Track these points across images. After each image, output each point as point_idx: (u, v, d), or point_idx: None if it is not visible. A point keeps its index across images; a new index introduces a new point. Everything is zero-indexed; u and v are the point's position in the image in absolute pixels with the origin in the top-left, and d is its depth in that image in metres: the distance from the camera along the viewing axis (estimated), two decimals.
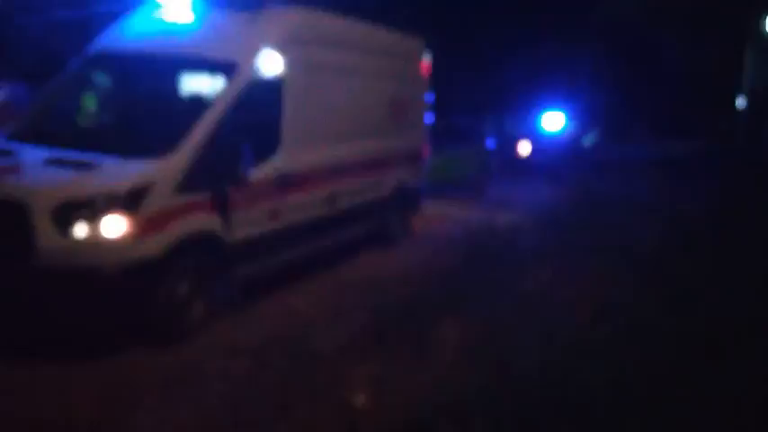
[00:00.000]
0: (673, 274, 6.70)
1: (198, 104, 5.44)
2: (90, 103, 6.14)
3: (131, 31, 6.20)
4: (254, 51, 5.71)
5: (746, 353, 4.68)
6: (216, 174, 5.26)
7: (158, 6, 6.29)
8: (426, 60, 9.06)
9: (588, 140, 19.52)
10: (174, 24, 6.07)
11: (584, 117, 18.05)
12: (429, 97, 9.32)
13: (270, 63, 5.83)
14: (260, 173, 5.75)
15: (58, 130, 5.69)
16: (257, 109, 5.72)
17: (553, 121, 17.29)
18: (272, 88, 5.94)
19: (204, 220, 5.24)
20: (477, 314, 5.43)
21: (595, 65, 22.44)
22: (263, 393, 4.22)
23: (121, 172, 4.84)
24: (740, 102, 28.43)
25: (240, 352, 4.96)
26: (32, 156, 5.04)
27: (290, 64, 6.06)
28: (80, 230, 4.60)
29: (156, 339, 5.08)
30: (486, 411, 3.71)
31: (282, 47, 5.97)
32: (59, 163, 4.92)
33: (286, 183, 6.09)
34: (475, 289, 6.06)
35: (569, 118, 17.67)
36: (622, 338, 4.93)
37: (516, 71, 18.29)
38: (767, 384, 4.23)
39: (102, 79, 6.28)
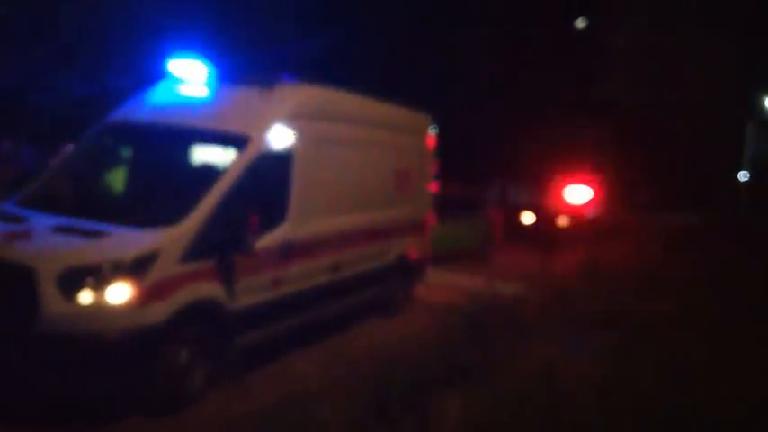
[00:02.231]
0: (675, 347, 6.67)
1: (208, 176, 5.59)
2: (104, 172, 6.30)
3: (147, 103, 6.43)
4: (265, 126, 5.91)
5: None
6: (222, 243, 5.35)
7: (175, 80, 6.57)
8: (432, 134, 9.30)
9: (592, 213, 19.68)
10: (189, 97, 6.31)
11: (590, 188, 18.25)
12: (435, 169, 9.51)
13: (280, 137, 6.02)
14: (265, 241, 5.84)
15: (69, 198, 5.83)
16: (266, 180, 5.88)
17: (577, 194, 17.58)
18: (282, 160, 6.10)
19: (208, 288, 5.29)
20: (479, 391, 5.37)
21: (599, 138, 22.86)
22: None
23: (128, 240, 4.94)
24: (742, 175, 28.74)
25: (238, 422, 4.91)
26: (42, 222, 5.16)
27: (300, 137, 6.25)
28: (85, 297, 4.67)
29: (155, 407, 5.05)
30: None
31: (293, 121, 6.18)
32: (68, 231, 5.03)
33: (291, 251, 6.17)
34: (477, 364, 6.00)
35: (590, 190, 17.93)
36: (627, 418, 4.87)
37: (523, 142, 18.64)
38: None
39: (116, 149, 6.48)
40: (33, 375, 4.77)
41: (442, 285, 10.08)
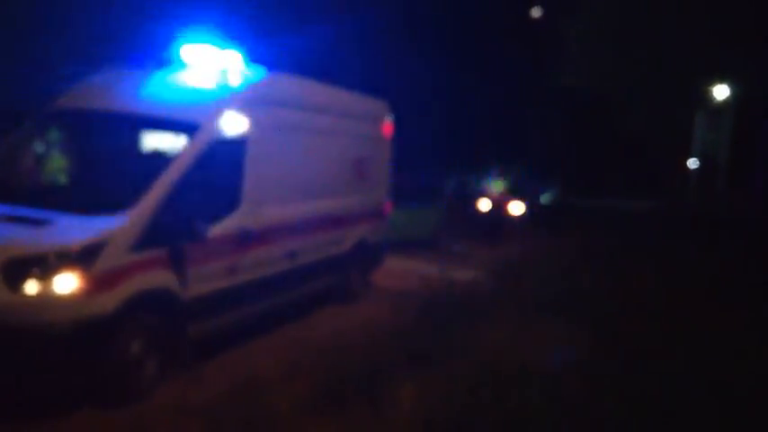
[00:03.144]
0: (624, 332, 6.89)
1: (158, 163, 5.47)
2: (50, 159, 6.12)
3: (95, 89, 6.26)
4: (217, 112, 5.82)
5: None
6: (173, 231, 5.27)
7: (122, 65, 6.41)
8: (389, 121, 9.30)
9: (545, 198, 20.04)
10: (139, 83, 6.17)
11: (541, 176, 18.59)
12: (392, 156, 9.53)
13: (233, 124, 5.94)
14: (219, 229, 5.78)
15: (13, 186, 5.64)
16: (218, 167, 5.79)
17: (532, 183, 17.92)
18: (235, 147, 6.02)
19: (159, 277, 5.21)
20: (432, 377, 5.45)
21: (552, 127, 23.26)
22: None
23: (76, 229, 4.82)
24: (692, 163, 29.62)
25: (193, 411, 4.86)
26: None
27: (254, 124, 6.17)
28: (31, 287, 4.54)
29: (107, 398, 4.97)
30: None
31: (246, 108, 6.10)
32: (12, 219, 4.87)
33: (246, 239, 6.11)
34: (433, 347, 6.08)
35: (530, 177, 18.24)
36: (579, 396, 5.01)
37: (478, 131, 18.83)
38: None
39: (62, 136, 6.29)
40: None
41: (399, 273, 10.15)
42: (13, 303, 4.50)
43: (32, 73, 8.51)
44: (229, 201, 5.97)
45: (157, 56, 6.25)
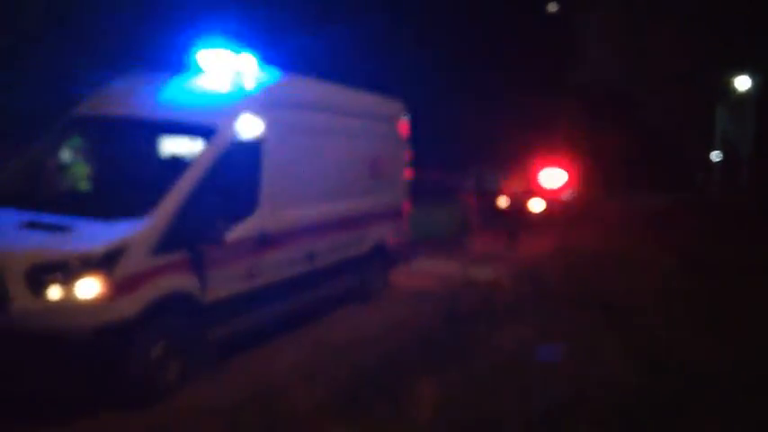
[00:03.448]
0: (646, 324, 6.82)
1: (176, 167, 5.51)
2: (70, 166, 6.20)
3: (113, 96, 6.33)
4: (233, 116, 5.85)
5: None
6: (192, 235, 5.30)
7: (141, 71, 6.48)
8: (405, 120, 9.28)
9: (568, 195, 19.86)
10: (156, 89, 6.22)
11: (565, 171, 18.37)
12: (409, 156, 9.51)
13: (249, 126, 5.97)
14: (238, 232, 5.81)
15: (35, 193, 5.72)
16: (236, 170, 5.82)
17: (554, 178, 17.72)
18: (251, 150, 6.05)
19: (179, 281, 5.25)
20: (455, 373, 5.43)
21: (574, 122, 23.03)
22: None
23: (97, 234, 4.87)
24: (714, 156, 29.19)
25: (214, 412, 4.91)
26: (8, 219, 5.05)
27: (270, 127, 6.19)
28: (54, 293, 4.60)
29: (129, 401, 5.00)
30: None
31: (262, 111, 6.12)
32: (35, 226, 4.93)
33: (264, 242, 6.14)
34: (453, 347, 6.06)
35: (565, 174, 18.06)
36: (598, 398, 4.96)
37: (497, 128, 18.71)
38: None
39: (83, 143, 6.36)
40: (4, 372, 4.69)
41: (419, 272, 10.13)
42: (37, 309, 4.57)
43: (57, 79, 8.63)
44: (247, 203, 5.99)
45: (175, 61, 6.31)
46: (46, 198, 5.52)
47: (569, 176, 18.01)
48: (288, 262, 6.55)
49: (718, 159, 29.42)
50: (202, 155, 5.56)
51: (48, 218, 5.04)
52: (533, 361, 5.69)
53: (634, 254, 11.87)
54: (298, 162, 6.68)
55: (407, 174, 9.41)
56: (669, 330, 6.91)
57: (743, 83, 26.78)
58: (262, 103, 6.15)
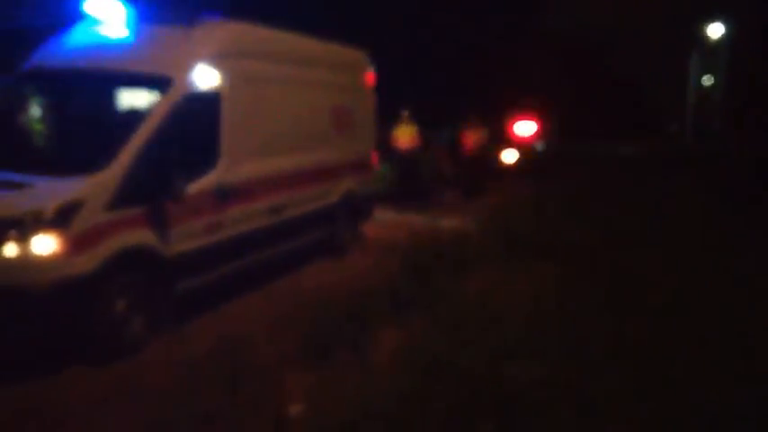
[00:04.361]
0: (612, 271, 6.96)
1: (131, 120, 5.41)
2: (23, 121, 6.04)
3: (64, 47, 6.15)
4: (188, 66, 5.72)
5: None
6: (150, 188, 5.25)
7: (93, 22, 6.26)
8: (371, 71, 9.16)
9: (541, 145, 19.94)
10: (108, 39, 6.04)
11: (537, 123, 18.39)
12: (376, 107, 9.43)
13: (205, 77, 5.84)
14: (199, 186, 5.76)
15: None
16: (194, 123, 5.73)
17: (525, 129, 17.74)
18: (209, 102, 5.94)
19: (139, 235, 5.21)
20: (415, 322, 5.51)
21: (545, 70, 22.92)
22: (196, 407, 4.20)
23: (51, 190, 4.80)
24: (688, 104, 29.39)
25: (180, 366, 4.93)
26: None
27: (227, 77, 6.07)
28: (9, 250, 4.56)
29: (95, 356, 5.02)
30: (412, 413, 3.78)
31: (218, 61, 5.99)
32: None
33: (227, 195, 6.09)
34: (416, 297, 6.14)
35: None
36: (560, 338, 5.08)
37: (467, 78, 18.57)
38: None
39: (35, 96, 6.19)
40: None
41: (388, 224, 10.18)
42: None
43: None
44: (207, 157, 5.92)
45: (127, 11, 6.10)
46: (1, 156, 5.39)
47: (540, 126, 18.03)
48: (251, 215, 6.53)
49: (690, 108, 29.62)
50: (157, 107, 5.45)
51: (1, 175, 4.95)
52: (493, 306, 5.78)
53: (602, 203, 12.01)
54: (258, 113, 6.59)
55: (375, 125, 9.35)
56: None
57: (716, 30, 26.78)
58: (218, 52, 6.02)
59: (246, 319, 5.92)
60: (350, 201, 8.64)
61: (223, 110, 6.05)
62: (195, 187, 5.70)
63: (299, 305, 6.25)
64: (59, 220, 4.66)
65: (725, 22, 26.56)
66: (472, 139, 13.89)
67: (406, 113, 12.15)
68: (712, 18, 26.28)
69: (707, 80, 28.43)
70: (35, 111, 6.09)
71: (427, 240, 8.55)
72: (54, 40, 6.31)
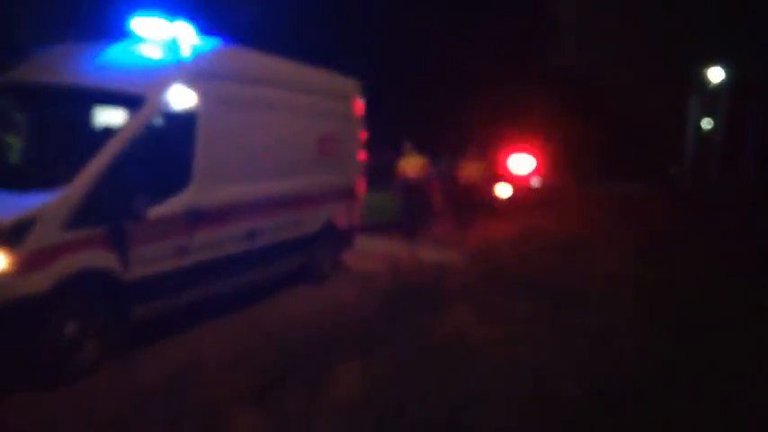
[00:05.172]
0: (594, 310, 6.77)
1: (99, 138, 5.26)
2: None
3: (41, 63, 6.04)
4: (163, 85, 5.59)
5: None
6: (112, 209, 5.08)
7: (76, 39, 6.20)
8: (360, 100, 9.06)
9: (537, 182, 19.83)
10: (87, 56, 5.96)
11: (535, 159, 18.29)
12: (363, 136, 9.31)
13: (180, 97, 5.72)
14: (167, 207, 5.59)
15: None
16: (165, 143, 5.60)
17: (521, 164, 17.64)
18: (183, 122, 5.81)
19: (97, 257, 5.03)
20: (380, 358, 5.30)
21: (545, 108, 22.95)
22: None
23: (6, 206, 4.64)
24: (688, 148, 29.40)
25: (124, 395, 4.73)
26: None
27: (205, 99, 5.95)
28: None
29: (43, 380, 4.80)
30: None
31: (196, 81, 5.87)
32: None
33: (197, 218, 5.92)
34: (386, 331, 5.93)
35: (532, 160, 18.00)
36: (526, 386, 4.86)
37: (463, 113, 18.55)
38: None
39: (6, 111, 6.06)
40: None
41: (371, 255, 9.98)
42: None
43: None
44: (178, 178, 5.76)
45: (110, 29, 6.04)
46: None
47: (537, 163, 17.94)
48: (223, 241, 6.35)
49: (690, 152, 29.62)
50: (126, 126, 5.31)
51: None
52: (464, 346, 5.57)
53: (595, 242, 11.84)
54: (237, 136, 6.45)
55: (361, 154, 9.22)
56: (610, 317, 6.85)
57: (716, 74, 26.88)
58: (196, 73, 5.90)
59: (204, 348, 5.68)
60: (331, 230, 8.47)
61: (198, 131, 5.91)
62: (163, 209, 5.54)
63: (263, 336, 6.05)
64: (11, 237, 4.49)
65: (725, 66, 26.67)
66: (467, 171, 13.75)
67: (408, 144, 12.03)
68: (712, 62, 26.40)
69: (706, 123, 28.43)
70: (5, 125, 5.96)
71: (408, 273, 8.38)
72: (32, 55, 6.20)
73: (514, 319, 6.70)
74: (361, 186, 9.28)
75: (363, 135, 9.21)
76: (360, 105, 9.07)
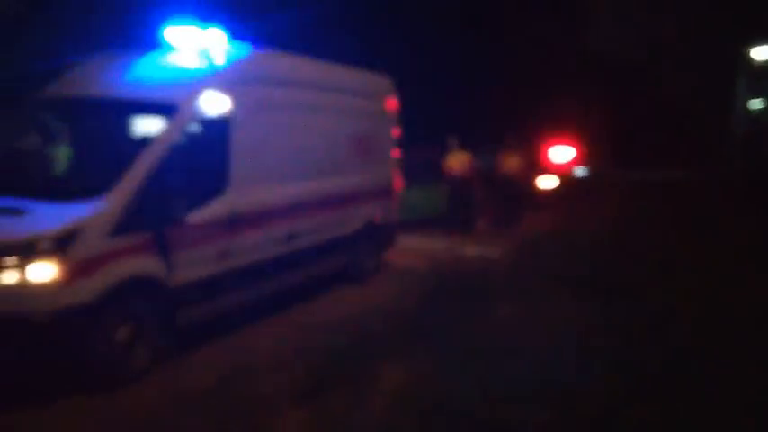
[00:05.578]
0: (636, 304, 6.56)
1: (137, 147, 5.36)
2: (32, 147, 6.08)
3: (78, 76, 6.19)
4: (195, 92, 5.66)
5: None
6: (154, 216, 5.16)
7: (111, 50, 6.34)
8: (394, 97, 9.03)
9: (581, 171, 19.44)
10: (122, 67, 6.09)
11: (577, 149, 17.91)
12: (401, 133, 9.27)
13: (214, 103, 5.79)
14: (207, 212, 5.66)
15: None
16: (201, 149, 5.67)
17: (563, 154, 17.34)
18: (219, 128, 5.87)
19: (142, 264, 5.12)
20: (424, 357, 5.24)
21: (586, 94, 22.44)
22: None
23: (52, 217, 4.75)
24: (736, 128, 28.41)
25: (181, 396, 4.82)
26: None
27: (239, 103, 6.01)
28: (8, 277, 4.50)
29: (96, 385, 4.91)
30: None
31: (230, 87, 5.94)
32: None
33: (236, 222, 5.98)
34: (430, 329, 5.88)
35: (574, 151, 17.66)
36: (570, 382, 4.74)
37: (505, 101, 18.29)
38: None
39: (45, 124, 6.24)
40: None
41: (415, 251, 9.92)
42: None
43: (30, 61, 8.59)
44: (216, 183, 5.82)
45: (144, 39, 6.16)
46: (6, 181, 5.39)
47: (579, 152, 17.57)
48: (264, 243, 6.40)
49: (739, 132, 28.60)
50: (162, 133, 5.39)
51: (4, 201, 4.94)
52: (508, 343, 5.47)
53: (643, 231, 11.53)
54: (273, 140, 6.49)
55: (396, 151, 9.18)
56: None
57: (761, 53, 25.87)
58: (229, 78, 5.97)
59: (252, 350, 5.75)
60: (371, 228, 8.46)
61: (233, 136, 5.97)
62: (203, 214, 5.61)
63: (308, 336, 6.07)
64: (60, 247, 4.60)
65: None
66: (508, 164, 13.57)
67: (453, 140, 11.96)
68: (758, 41, 25.44)
69: (757, 104, 27.41)
70: (46, 138, 6.13)
71: (451, 269, 8.31)
72: (69, 68, 6.36)
73: (559, 315, 6.56)
74: (397, 184, 9.25)
75: (398, 132, 9.18)
76: (393, 103, 9.04)
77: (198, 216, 5.54)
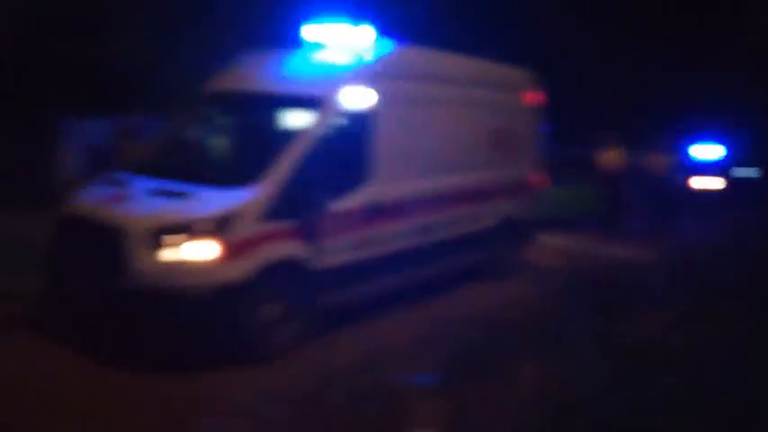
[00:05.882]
0: None
1: (287, 138, 5.71)
2: (199, 138, 6.68)
3: (238, 72, 6.69)
4: (340, 87, 5.93)
5: None
6: (302, 203, 5.47)
7: (267, 48, 6.79)
8: (536, 91, 8.82)
9: (742, 172, 17.84)
10: (278, 64, 6.50)
11: (733, 147, 16.50)
12: (544, 128, 9.05)
13: (359, 97, 6.01)
14: (349, 202, 5.90)
15: (166, 162, 6.20)
16: (345, 141, 5.91)
17: (715, 152, 16.17)
18: (363, 121, 6.10)
19: (289, 247, 5.44)
20: (560, 357, 5.09)
21: (743, 94, 20.53)
22: (327, 420, 4.21)
23: (213, 201, 5.18)
24: None
25: (325, 374, 5.04)
26: (140, 186, 5.55)
27: (382, 98, 6.20)
28: (171, 254, 4.97)
29: (242, 360, 5.26)
30: None
31: (373, 81, 6.14)
32: (160, 193, 5.37)
33: (377, 212, 6.17)
34: (569, 330, 5.70)
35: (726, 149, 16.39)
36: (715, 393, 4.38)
37: (652, 101, 17.25)
38: None
39: (212, 117, 6.82)
40: (130, 328, 5.17)
41: (559, 250, 9.62)
42: (157, 269, 4.96)
43: (199, 57, 9.43)
44: (359, 174, 6.05)
45: (297, 36, 6.52)
46: (175, 168, 5.96)
47: (737, 152, 16.16)
48: (402, 234, 6.54)
49: None
50: (310, 126, 5.70)
51: (172, 185, 5.45)
52: (647, 349, 5.15)
53: None
54: (413, 133, 6.62)
55: (540, 146, 8.96)
56: None
57: None
58: (374, 74, 6.17)
59: (387, 337, 5.91)
60: (509, 224, 8.34)
61: (375, 129, 6.17)
62: (345, 204, 5.85)
63: (447, 328, 6.12)
64: (220, 228, 5.01)
65: None
66: (656, 163, 12.78)
67: (613, 137, 11.54)
68: None
69: None
70: (207, 129, 6.70)
71: (594, 270, 7.97)
72: (230, 65, 6.89)
73: (704, 325, 6.08)
74: (542, 180, 9.03)
75: (542, 127, 8.96)
76: (535, 97, 8.83)
77: (340, 205, 5.78)
